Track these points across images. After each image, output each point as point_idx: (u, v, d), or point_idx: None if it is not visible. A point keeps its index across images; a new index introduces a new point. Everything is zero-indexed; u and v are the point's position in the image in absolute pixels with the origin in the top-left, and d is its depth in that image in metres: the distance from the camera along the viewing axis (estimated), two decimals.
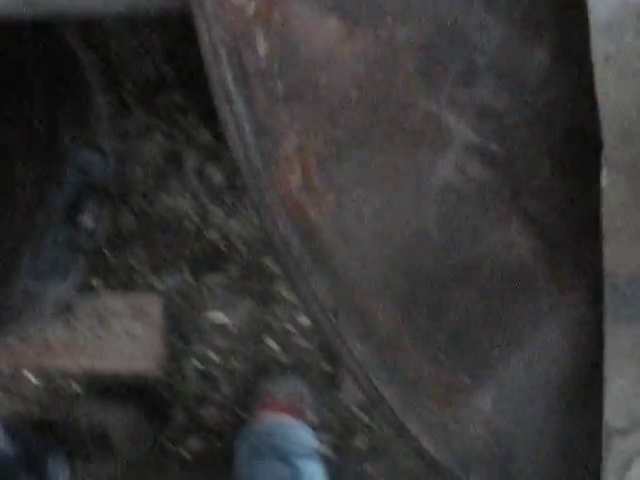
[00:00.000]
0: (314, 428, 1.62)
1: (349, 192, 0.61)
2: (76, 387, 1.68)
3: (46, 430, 1.50)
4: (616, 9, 0.54)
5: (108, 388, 1.63)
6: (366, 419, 1.68)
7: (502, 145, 0.62)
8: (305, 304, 0.60)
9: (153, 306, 1.62)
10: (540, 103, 0.62)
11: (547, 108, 0.62)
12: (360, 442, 1.69)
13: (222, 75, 0.59)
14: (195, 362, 1.66)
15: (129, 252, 1.58)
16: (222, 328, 1.65)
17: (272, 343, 1.65)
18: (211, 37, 0.59)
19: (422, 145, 0.61)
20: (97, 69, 1.47)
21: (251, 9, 0.58)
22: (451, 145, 0.61)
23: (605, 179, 0.57)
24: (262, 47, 0.59)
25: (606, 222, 0.57)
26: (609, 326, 0.57)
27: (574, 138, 0.61)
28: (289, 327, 1.64)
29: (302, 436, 1.54)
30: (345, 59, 0.60)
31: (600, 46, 0.56)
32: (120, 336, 1.62)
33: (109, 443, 1.55)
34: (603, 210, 0.57)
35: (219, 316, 1.64)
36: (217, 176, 1.59)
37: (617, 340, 0.58)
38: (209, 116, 1.56)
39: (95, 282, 1.63)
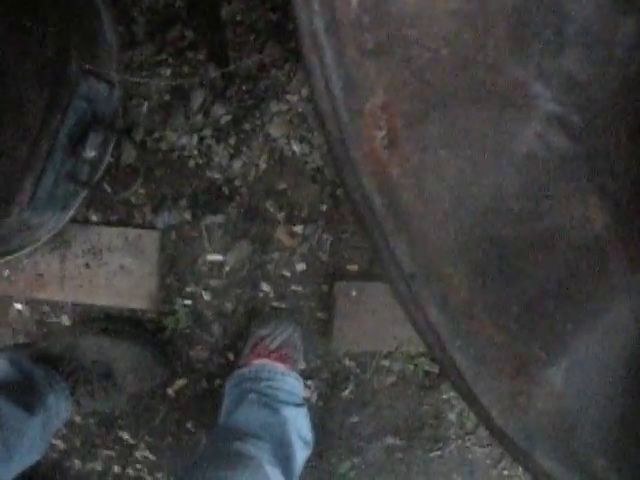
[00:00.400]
0: (303, 375, 1.63)
1: (433, 153, 0.60)
2: (67, 320, 1.66)
3: (49, 363, 1.48)
4: None
5: (107, 323, 1.61)
6: (355, 369, 1.70)
7: (584, 117, 0.61)
8: (383, 264, 0.60)
9: (150, 243, 1.60)
10: (624, 77, 0.61)
11: (630, 82, 0.61)
12: (347, 392, 1.71)
13: (313, 24, 0.57)
14: (189, 302, 1.65)
15: (129, 187, 1.55)
16: (218, 270, 1.64)
17: (267, 288, 1.64)
18: None
19: (507, 111, 0.60)
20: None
21: None
22: (535, 113, 0.61)
23: None
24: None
25: None
26: None
27: None
28: (286, 273, 1.64)
29: (291, 384, 1.55)
30: (437, 17, 0.59)
31: None
32: (115, 272, 1.60)
33: (113, 379, 1.54)
34: None
35: (216, 257, 1.63)
36: (224, 116, 1.56)
37: None
38: (219, 54, 1.53)
39: (93, 216, 1.61)
